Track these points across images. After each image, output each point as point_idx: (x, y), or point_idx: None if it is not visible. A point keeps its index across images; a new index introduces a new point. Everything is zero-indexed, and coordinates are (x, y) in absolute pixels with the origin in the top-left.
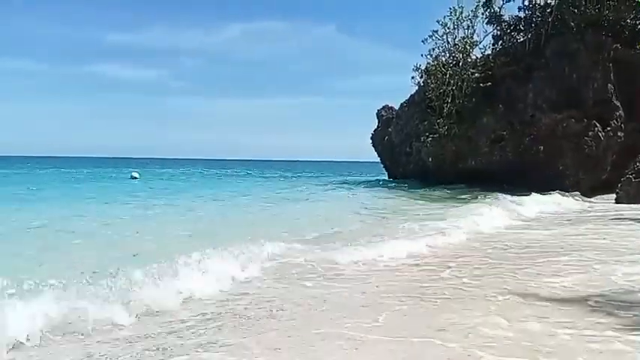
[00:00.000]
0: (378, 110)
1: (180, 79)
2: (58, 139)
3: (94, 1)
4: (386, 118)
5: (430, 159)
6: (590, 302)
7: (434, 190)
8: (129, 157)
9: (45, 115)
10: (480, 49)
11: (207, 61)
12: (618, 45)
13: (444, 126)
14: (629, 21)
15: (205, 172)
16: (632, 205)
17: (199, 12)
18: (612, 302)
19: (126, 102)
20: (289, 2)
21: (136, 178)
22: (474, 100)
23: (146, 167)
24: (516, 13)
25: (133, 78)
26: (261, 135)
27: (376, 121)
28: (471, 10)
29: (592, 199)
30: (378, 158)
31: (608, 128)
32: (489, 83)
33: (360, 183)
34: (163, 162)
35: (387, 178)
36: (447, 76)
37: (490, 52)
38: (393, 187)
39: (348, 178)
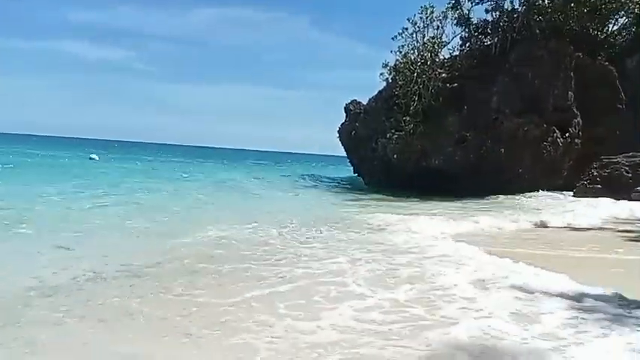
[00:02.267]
0: (347, 104)
1: (145, 61)
2: (17, 116)
3: None
4: (354, 112)
5: (395, 156)
6: None
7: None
8: (88, 137)
9: (4, 91)
10: (449, 49)
11: (176, 45)
12: (580, 54)
13: (410, 124)
14: (591, 31)
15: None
16: None
17: None
18: None
19: (89, 81)
20: None
21: (93, 159)
22: (440, 99)
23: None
24: (485, 16)
25: (97, 57)
26: (226, 123)
27: (344, 115)
28: (442, 11)
29: None
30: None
31: (567, 135)
32: (455, 84)
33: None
34: (129, 145)
35: (352, 174)
36: (415, 74)
37: (457, 54)
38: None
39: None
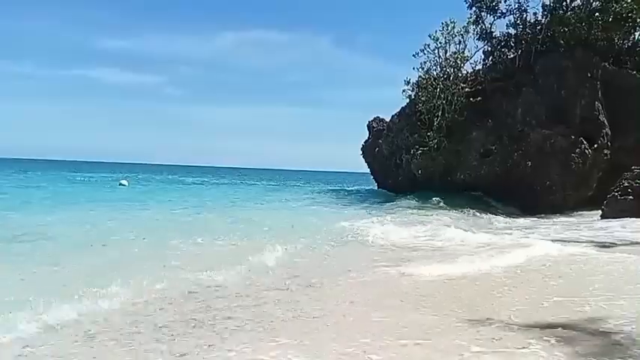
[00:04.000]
0: (369, 122)
1: (175, 85)
2: (51, 142)
3: (85, 4)
4: (377, 129)
5: (419, 172)
6: None
7: None
8: (121, 162)
9: (38, 117)
10: (471, 64)
11: (203, 69)
12: (606, 64)
13: (434, 139)
14: (616, 40)
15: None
16: None
17: (193, 19)
18: None
19: (119, 107)
20: (285, 13)
21: (124, 185)
22: (464, 114)
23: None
24: (507, 29)
25: (126, 83)
26: (256, 143)
27: (367, 132)
28: (463, 26)
29: None
30: (369, 169)
31: (595, 146)
32: (479, 98)
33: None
34: (164, 168)
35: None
36: (438, 90)
37: (481, 68)
38: None
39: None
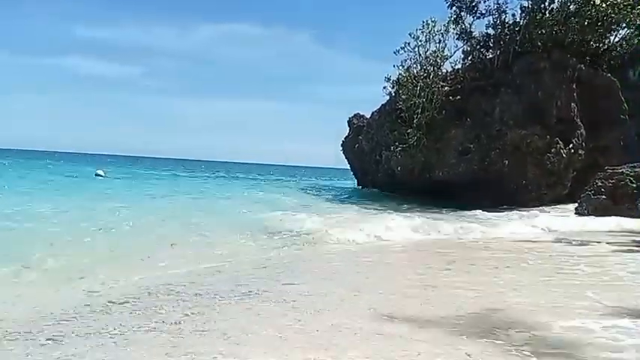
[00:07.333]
0: (350, 118)
1: (152, 77)
2: (24, 132)
3: None
4: (357, 126)
5: (399, 168)
6: None
7: None
8: (96, 153)
9: (11, 107)
10: (451, 63)
11: (180, 61)
12: (582, 65)
13: (414, 136)
14: (592, 43)
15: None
16: None
17: (171, 10)
18: None
19: (96, 97)
20: (264, 8)
21: (100, 175)
22: (443, 112)
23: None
24: (486, 30)
25: (102, 74)
26: (231, 137)
27: (347, 128)
28: (443, 25)
29: None
30: (349, 166)
31: (570, 146)
32: (458, 97)
33: None
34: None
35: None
36: (418, 88)
37: (460, 67)
38: None
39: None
